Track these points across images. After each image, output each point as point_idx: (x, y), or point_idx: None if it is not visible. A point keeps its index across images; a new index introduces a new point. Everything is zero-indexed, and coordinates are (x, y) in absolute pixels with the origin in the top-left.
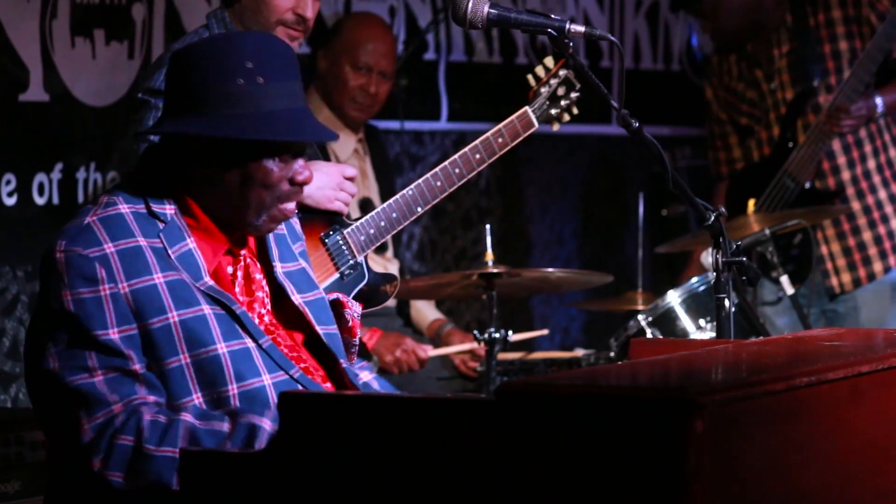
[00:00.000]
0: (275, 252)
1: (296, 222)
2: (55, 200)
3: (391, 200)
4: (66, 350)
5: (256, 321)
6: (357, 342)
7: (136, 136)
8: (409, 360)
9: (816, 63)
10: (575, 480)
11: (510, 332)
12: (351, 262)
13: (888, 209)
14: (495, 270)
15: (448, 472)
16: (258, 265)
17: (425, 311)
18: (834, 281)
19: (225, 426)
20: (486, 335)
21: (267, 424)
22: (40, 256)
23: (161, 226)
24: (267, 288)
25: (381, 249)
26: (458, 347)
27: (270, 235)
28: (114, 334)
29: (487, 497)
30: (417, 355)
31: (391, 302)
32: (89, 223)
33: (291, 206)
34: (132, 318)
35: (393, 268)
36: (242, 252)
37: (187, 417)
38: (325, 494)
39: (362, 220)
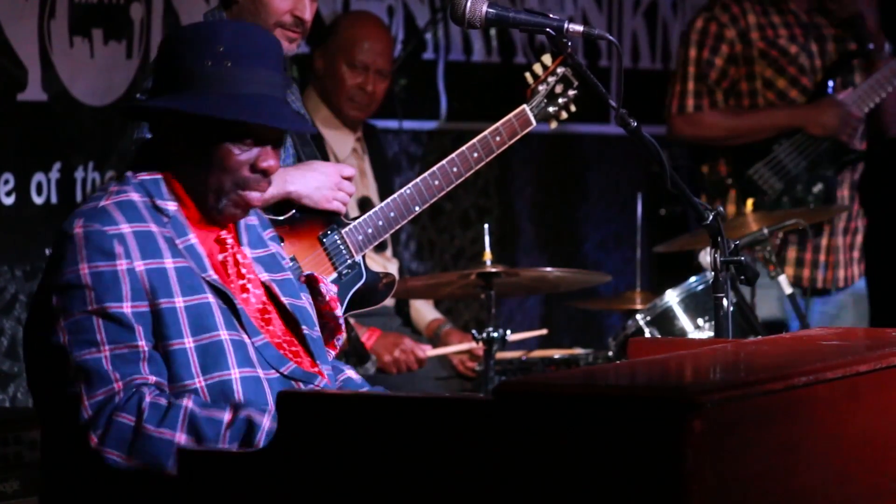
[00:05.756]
0: (244, 239)
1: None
2: (53, 200)
3: (389, 199)
4: (76, 322)
5: (253, 304)
6: (340, 315)
7: (120, 112)
8: (407, 360)
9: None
10: (573, 480)
11: (508, 332)
12: (349, 261)
13: (858, 222)
14: (494, 270)
15: (446, 472)
16: (243, 250)
17: (424, 311)
18: (819, 275)
19: (225, 416)
20: (484, 335)
21: (266, 423)
22: (39, 256)
23: (165, 220)
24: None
25: (380, 248)
26: (457, 347)
27: (242, 224)
28: (126, 308)
29: (485, 496)
30: (416, 355)
31: (389, 301)
32: (104, 206)
33: (255, 195)
34: (145, 296)
35: (392, 267)
36: (229, 241)
37: (188, 403)
38: (324, 494)
39: (360, 219)
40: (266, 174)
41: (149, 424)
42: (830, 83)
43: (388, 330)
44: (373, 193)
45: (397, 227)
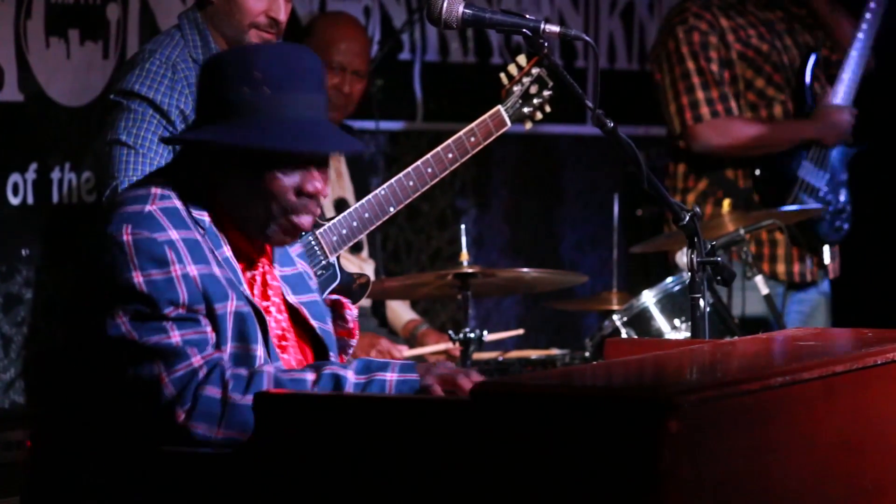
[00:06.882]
0: (275, 256)
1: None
2: (30, 200)
3: (363, 200)
4: (140, 320)
5: (273, 328)
6: (355, 343)
7: (164, 141)
8: None
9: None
10: (550, 480)
11: (485, 333)
12: (323, 262)
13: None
14: (470, 270)
15: (424, 472)
16: (273, 271)
17: (400, 312)
18: (807, 269)
19: (308, 376)
20: (461, 335)
21: (351, 376)
22: (15, 256)
23: (201, 231)
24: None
25: (356, 249)
26: (434, 348)
27: None
28: (184, 311)
29: (463, 496)
30: (392, 356)
31: (366, 302)
32: (150, 211)
33: (305, 219)
34: (202, 299)
35: (368, 268)
36: (261, 258)
37: (269, 369)
38: (301, 494)
39: (334, 220)
40: (313, 197)
41: (235, 394)
42: (808, 80)
43: (365, 331)
44: (349, 194)
45: (372, 228)
